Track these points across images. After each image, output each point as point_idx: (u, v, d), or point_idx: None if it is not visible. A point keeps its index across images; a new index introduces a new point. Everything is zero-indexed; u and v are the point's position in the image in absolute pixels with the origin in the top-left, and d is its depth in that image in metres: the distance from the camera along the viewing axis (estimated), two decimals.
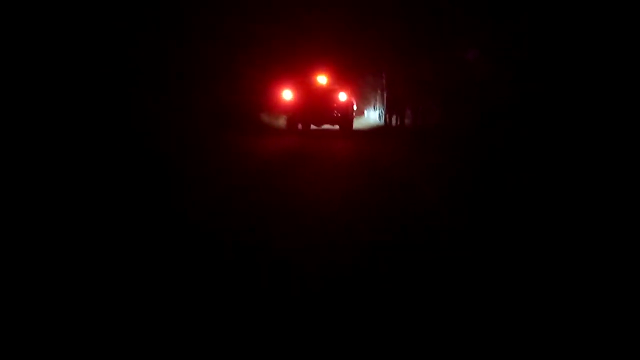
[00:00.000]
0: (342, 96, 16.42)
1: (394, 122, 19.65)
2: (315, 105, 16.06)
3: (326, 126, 17.12)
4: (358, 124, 19.92)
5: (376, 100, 24.61)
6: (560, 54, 9.03)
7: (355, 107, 19.60)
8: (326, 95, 16.41)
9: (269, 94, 17.84)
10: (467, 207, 5.10)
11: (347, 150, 11.25)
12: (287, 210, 4.78)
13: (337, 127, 16.64)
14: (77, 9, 9.73)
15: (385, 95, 21.60)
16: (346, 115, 16.53)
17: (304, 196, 5.54)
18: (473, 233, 4.22)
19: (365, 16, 18.54)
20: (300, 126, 16.57)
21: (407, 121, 18.66)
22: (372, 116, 24.86)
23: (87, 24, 10.06)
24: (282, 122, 17.39)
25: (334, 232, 4.10)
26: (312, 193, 5.69)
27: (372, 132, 17.99)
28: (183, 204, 5.06)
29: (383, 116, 21.61)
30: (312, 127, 16.87)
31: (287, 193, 5.72)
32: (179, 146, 10.22)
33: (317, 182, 6.56)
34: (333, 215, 4.62)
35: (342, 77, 17.95)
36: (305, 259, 3.47)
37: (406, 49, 17.10)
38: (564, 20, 9.02)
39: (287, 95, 16.43)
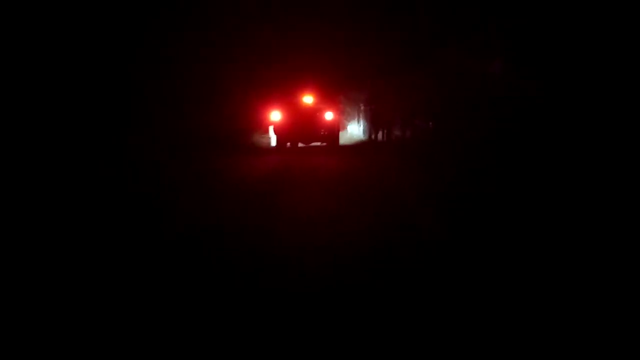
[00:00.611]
0: (328, 115, 17.34)
1: (379, 137, 20.24)
2: (303, 124, 16.88)
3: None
4: (342, 139, 20.55)
5: (359, 114, 25.19)
6: (546, 64, 9.34)
7: (340, 125, 20.24)
8: (313, 114, 17.22)
9: (257, 115, 18.52)
10: (448, 215, 5.71)
11: (334, 164, 12.02)
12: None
13: (324, 144, 17.42)
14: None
15: (369, 109, 22.18)
16: (332, 133, 17.45)
17: (297, 203, 6.41)
18: (453, 239, 4.78)
19: (348, 31, 19.18)
20: (288, 144, 17.27)
21: (391, 136, 19.28)
22: (355, 131, 25.45)
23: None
24: (272, 141, 18.06)
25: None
26: (305, 202, 6.61)
27: (357, 147, 18.66)
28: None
29: (367, 131, 22.17)
30: (300, 144, 17.59)
31: (281, 201, 6.54)
32: (171, 169, 10.59)
33: (308, 193, 7.46)
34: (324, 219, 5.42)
35: (326, 94, 18.62)
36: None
37: (390, 63, 17.78)
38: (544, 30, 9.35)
39: (275, 116, 17.20)
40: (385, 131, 19.74)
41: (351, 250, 4.45)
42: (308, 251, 4.42)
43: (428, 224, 5.52)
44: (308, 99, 18.04)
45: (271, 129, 18.81)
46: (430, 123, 15.60)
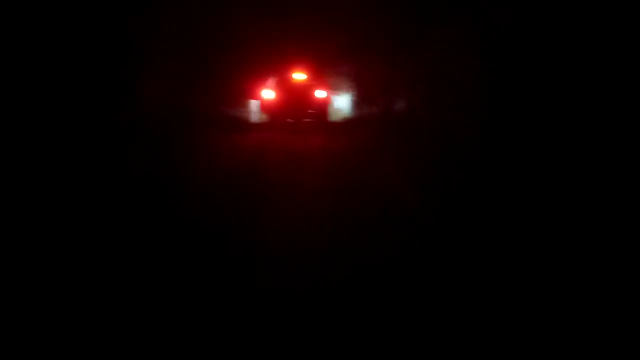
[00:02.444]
0: (319, 93, 17.70)
1: (365, 112, 20.53)
2: (293, 101, 17.21)
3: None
4: (332, 115, 20.88)
5: (348, 90, 25.43)
6: (541, 47, 9.45)
7: (331, 101, 20.52)
8: (303, 90, 17.52)
9: (249, 92, 18.83)
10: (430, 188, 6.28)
11: (323, 139, 12.53)
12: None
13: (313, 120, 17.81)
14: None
15: (358, 84, 22.44)
16: (322, 110, 17.86)
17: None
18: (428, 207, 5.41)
19: (340, 6, 19.30)
20: (278, 121, 17.63)
21: (379, 111, 19.59)
22: (344, 106, 25.73)
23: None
24: (263, 118, 18.39)
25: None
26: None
27: (345, 123, 19.06)
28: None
29: (355, 106, 22.47)
30: (289, 121, 17.95)
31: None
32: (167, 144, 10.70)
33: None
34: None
35: (317, 71, 18.91)
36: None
37: (381, 38, 18.00)
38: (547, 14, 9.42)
39: (267, 93, 17.52)
40: (371, 108, 20.02)
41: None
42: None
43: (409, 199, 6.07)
44: (299, 76, 18.32)
45: (254, 103, 19.15)
46: (419, 100, 15.89)
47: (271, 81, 18.14)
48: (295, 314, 3.12)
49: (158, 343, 2.80)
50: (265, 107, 17.90)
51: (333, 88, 25.32)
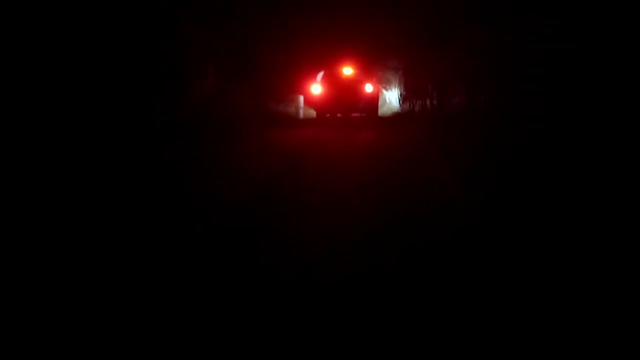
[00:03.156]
0: (368, 87, 17.42)
1: (416, 107, 20.12)
2: (342, 96, 16.96)
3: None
4: (381, 110, 20.53)
5: (397, 84, 24.99)
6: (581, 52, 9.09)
7: (380, 96, 20.23)
8: (352, 85, 17.26)
9: (297, 87, 18.66)
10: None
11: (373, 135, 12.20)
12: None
13: (363, 115, 17.54)
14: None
15: (406, 79, 22.02)
16: (371, 105, 17.60)
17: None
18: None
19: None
20: (328, 116, 17.39)
21: (429, 106, 19.15)
22: (394, 101, 25.30)
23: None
24: (311, 113, 18.16)
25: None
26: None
27: (395, 118, 18.69)
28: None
29: (406, 102, 22.04)
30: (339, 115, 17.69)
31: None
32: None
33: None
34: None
35: (365, 65, 18.64)
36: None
37: (430, 33, 17.61)
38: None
39: (316, 89, 17.32)
40: (422, 102, 19.61)
41: None
42: None
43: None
44: (347, 70, 18.09)
45: (301, 99, 18.96)
46: (471, 96, 15.42)
47: (319, 76, 17.93)
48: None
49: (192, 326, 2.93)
50: (313, 103, 17.68)
51: (382, 82, 25.02)
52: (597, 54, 8.80)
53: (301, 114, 19.20)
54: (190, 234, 4.73)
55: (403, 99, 22.95)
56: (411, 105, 20.83)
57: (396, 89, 25.29)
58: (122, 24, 10.32)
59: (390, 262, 4.06)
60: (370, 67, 18.91)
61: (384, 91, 26.23)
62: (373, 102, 17.65)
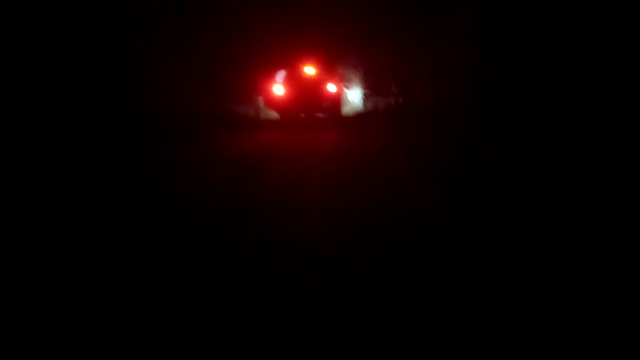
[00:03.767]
0: (331, 87, 17.25)
1: (380, 106, 19.92)
2: (305, 97, 16.69)
3: None
4: (344, 109, 20.28)
5: (360, 82, 24.75)
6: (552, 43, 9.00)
7: (343, 95, 19.97)
8: (315, 86, 16.97)
9: (257, 88, 18.22)
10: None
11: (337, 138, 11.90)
12: None
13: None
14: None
15: (368, 78, 21.80)
16: (335, 105, 17.41)
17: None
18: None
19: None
20: (290, 117, 17.03)
21: (391, 103, 18.97)
22: (356, 99, 25.05)
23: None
24: (273, 114, 17.76)
25: None
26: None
27: (358, 118, 18.45)
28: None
29: (365, 98, 21.81)
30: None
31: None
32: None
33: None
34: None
35: (328, 64, 18.37)
36: None
37: (390, 27, 17.49)
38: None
39: (277, 89, 17.02)
40: (387, 100, 19.43)
41: None
42: None
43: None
44: (309, 70, 17.77)
45: (261, 101, 18.51)
46: (437, 91, 15.28)
47: (281, 76, 17.51)
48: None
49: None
50: (274, 104, 17.29)
51: (345, 81, 24.76)
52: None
53: (261, 115, 18.76)
54: None
55: (366, 98, 22.73)
56: (375, 104, 20.63)
57: (359, 87, 25.06)
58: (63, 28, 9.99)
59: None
60: (333, 66, 18.62)
61: (346, 90, 25.99)
62: (336, 101, 17.43)
